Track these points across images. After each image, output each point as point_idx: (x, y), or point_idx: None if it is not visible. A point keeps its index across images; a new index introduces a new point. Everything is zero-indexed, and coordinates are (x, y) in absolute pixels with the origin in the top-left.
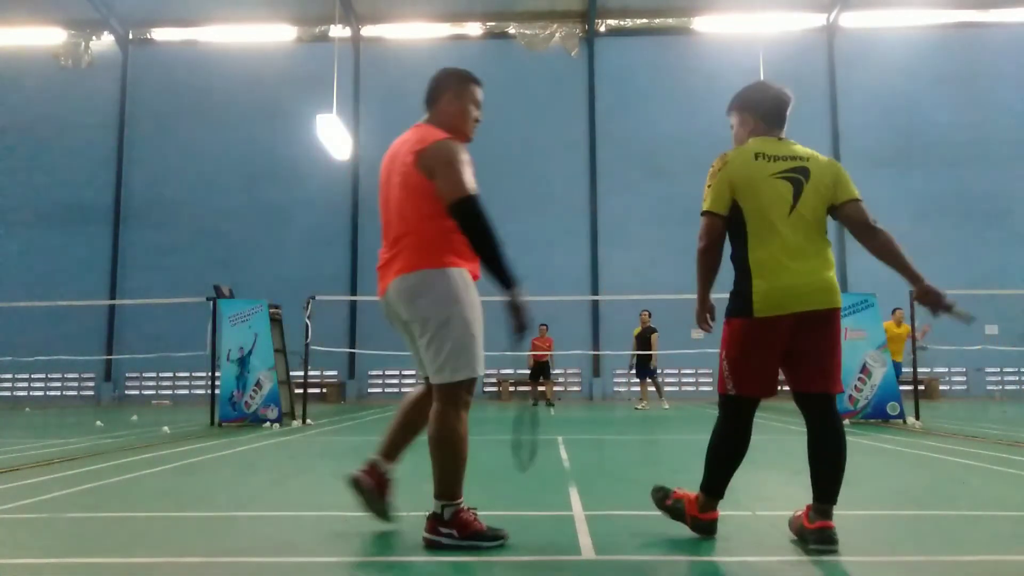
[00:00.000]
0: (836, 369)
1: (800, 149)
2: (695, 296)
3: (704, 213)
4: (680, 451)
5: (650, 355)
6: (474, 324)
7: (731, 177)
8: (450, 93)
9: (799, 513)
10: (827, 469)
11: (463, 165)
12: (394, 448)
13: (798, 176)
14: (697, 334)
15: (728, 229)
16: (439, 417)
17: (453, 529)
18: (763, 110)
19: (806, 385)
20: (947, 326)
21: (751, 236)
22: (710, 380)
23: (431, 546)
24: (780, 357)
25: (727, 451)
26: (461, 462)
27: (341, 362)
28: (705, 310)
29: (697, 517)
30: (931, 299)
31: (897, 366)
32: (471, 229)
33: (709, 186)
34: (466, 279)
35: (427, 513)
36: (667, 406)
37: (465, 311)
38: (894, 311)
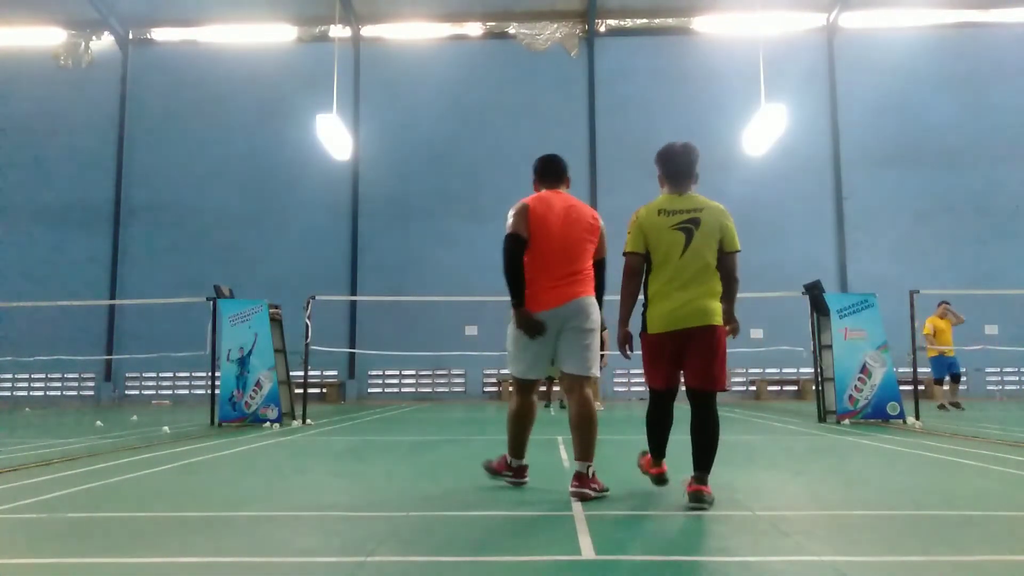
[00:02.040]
0: (716, 371)
1: (697, 201)
2: None
3: (627, 253)
4: (679, 450)
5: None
6: None
7: (643, 227)
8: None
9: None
10: (703, 445)
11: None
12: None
13: (690, 226)
14: None
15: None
16: (587, 401)
17: (595, 483)
18: (668, 173)
19: (690, 381)
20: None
21: (652, 272)
22: None
23: (582, 499)
24: (673, 361)
25: (655, 426)
26: (597, 432)
27: (341, 362)
28: (626, 335)
29: (649, 472)
30: (735, 332)
31: (953, 362)
32: (601, 276)
33: (629, 233)
34: None
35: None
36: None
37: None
38: (939, 304)
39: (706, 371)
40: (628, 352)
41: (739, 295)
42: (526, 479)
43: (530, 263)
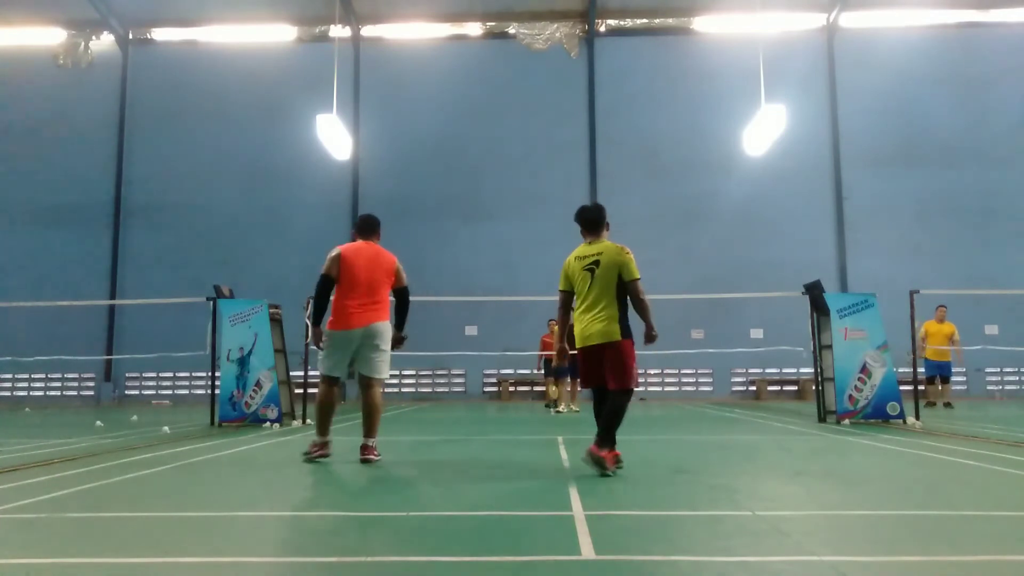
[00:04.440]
0: (624, 374)
1: (599, 247)
2: (696, 296)
3: (559, 291)
4: (680, 450)
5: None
6: None
7: (566, 271)
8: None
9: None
10: (604, 425)
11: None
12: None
13: (592, 267)
14: (697, 334)
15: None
16: (375, 395)
17: (374, 453)
18: (584, 227)
19: (607, 384)
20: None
21: (575, 303)
22: (710, 380)
23: (367, 462)
24: (593, 368)
25: (595, 413)
26: (379, 416)
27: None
28: (562, 350)
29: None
30: (650, 340)
31: (945, 366)
32: (404, 298)
33: (561, 277)
34: None
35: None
36: (577, 409)
37: None
38: (937, 308)
39: (617, 376)
40: (564, 361)
41: (738, 295)
42: (329, 452)
43: (341, 295)
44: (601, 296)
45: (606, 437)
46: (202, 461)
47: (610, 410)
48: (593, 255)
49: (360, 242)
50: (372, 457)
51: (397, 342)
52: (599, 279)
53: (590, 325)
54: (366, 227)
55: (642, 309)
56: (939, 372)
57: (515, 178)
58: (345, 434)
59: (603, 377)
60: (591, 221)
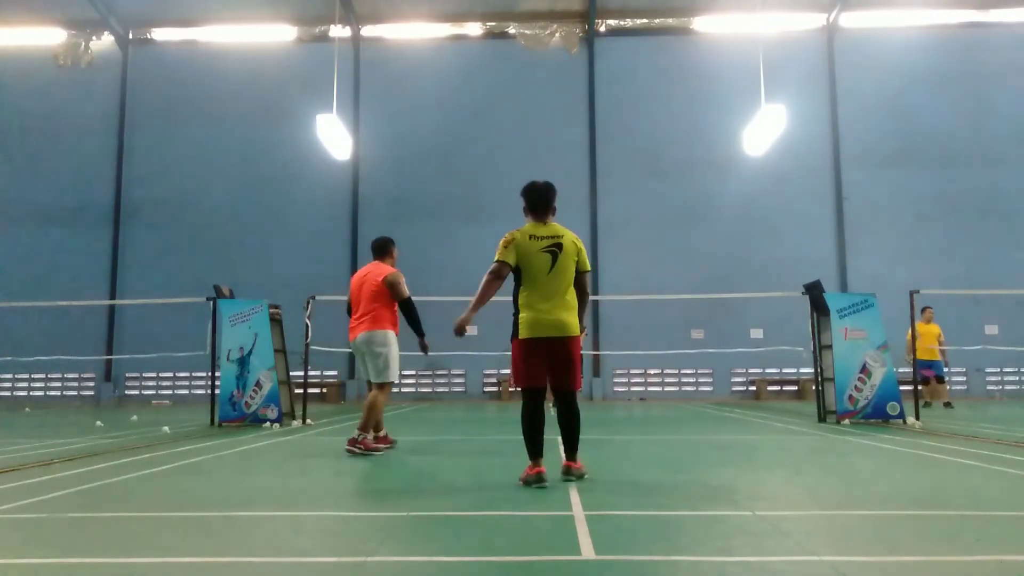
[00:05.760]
0: (575, 375)
1: (557, 229)
2: (696, 296)
3: (498, 261)
4: (680, 450)
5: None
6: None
7: (518, 246)
8: (395, 249)
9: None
10: (568, 434)
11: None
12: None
13: (555, 249)
14: (697, 334)
15: (514, 277)
16: (376, 395)
17: (362, 444)
18: (531, 205)
19: (555, 384)
20: (947, 327)
21: (523, 285)
22: (710, 380)
23: (351, 453)
24: (544, 363)
25: (532, 425)
26: (378, 416)
27: (341, 362)
28: (465, 320)
29: (529, 474)
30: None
31: (936, 365)
32: (408, 307)
33: (504, 246)
34: None
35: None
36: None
37: None
38: (923, 310)
39: (568, 375)
40: (459, 335)
41: (738, 295)
42: (378, 444)
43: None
44: (564, 284)
45: (575, 449)
46: (202, 461)
47: (571, 419)
48: (552, 237)
49: (367, 264)
50: (353, 450)
51: (422, 348)
52: (562, 265)
53: (552, 314)
54: (373, 249)
55: (585, 303)
56: (931, 372)
57: (515, 178)
58: (346, 434)
59: (544, 375)
60: (542, 200)
